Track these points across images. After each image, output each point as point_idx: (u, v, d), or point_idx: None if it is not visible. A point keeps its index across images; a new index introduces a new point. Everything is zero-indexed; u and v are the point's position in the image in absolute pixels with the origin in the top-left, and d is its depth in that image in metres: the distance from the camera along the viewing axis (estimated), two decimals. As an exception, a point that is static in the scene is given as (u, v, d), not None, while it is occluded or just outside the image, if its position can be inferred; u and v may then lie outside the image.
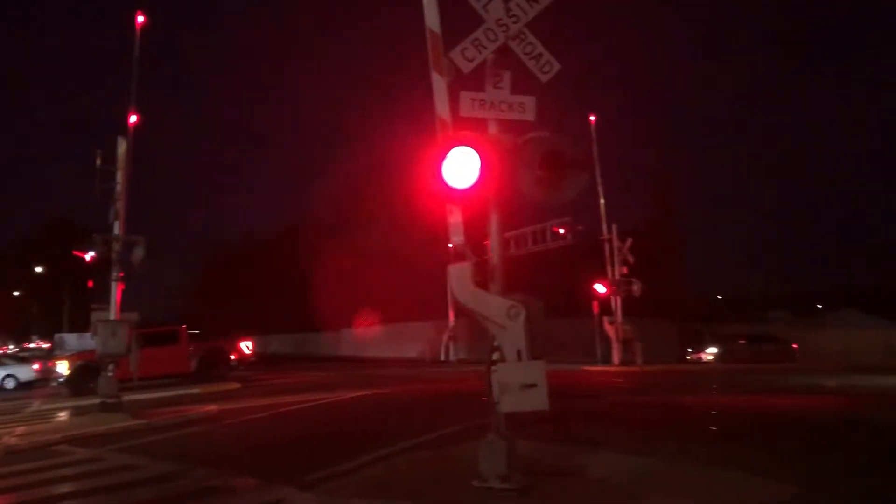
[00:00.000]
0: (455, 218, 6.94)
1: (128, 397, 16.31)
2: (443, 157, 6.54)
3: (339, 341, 59.24)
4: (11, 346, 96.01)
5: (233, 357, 26.52)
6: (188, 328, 26.36)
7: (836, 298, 61.74)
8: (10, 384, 29.06)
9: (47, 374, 30.57)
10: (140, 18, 16.31)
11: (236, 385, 22.98)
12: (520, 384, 6.42)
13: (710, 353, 34.59)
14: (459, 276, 6.74)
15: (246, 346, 28.84)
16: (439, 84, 6.96)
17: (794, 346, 34.36)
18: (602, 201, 31.32)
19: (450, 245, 7.03)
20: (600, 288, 30.37)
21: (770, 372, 24.52)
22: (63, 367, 23.35)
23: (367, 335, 54.13)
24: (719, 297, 65.24)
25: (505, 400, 6.48)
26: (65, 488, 8.38)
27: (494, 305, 6.66)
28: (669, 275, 45.12)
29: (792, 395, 16.97)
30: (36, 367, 30.46)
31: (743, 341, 34.35)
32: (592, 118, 31.25)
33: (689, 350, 35.96)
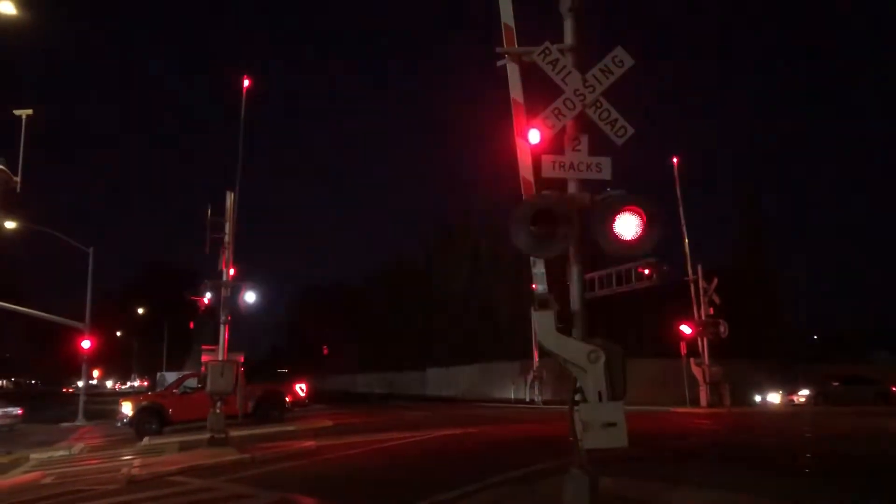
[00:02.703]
0: (538, 268, 7.58)
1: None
2: (525, 215, 7.19)
3: (426, 381, 60.08)
4: (109, 384, 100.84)
5: (288, 399, 27.33)
6: (281, 367, 27.36)
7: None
8: None
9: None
10: (246, 83, 17.71)
11: (329, 423, 23.96)
12: (601, 423, 6.94)
13: (802, 395, 33.74)
14: (543, 323, 7.31)
15: (300, 389, 29.80)
16: (523, 148, 7.66)
17: (894, 388, 33.15)
18: (686, 241, 31.33)
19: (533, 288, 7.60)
20: (686, 329, 30.19)
21: (864, 415, 23.90)
22: (127, 409, 23.27)
23: (454, 376, 54.85)
24: (815, 336, 62.99)
25: (587, 437, 7.00)
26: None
27: (576, 350, 7.19)
28: (761, 314, 44.28)
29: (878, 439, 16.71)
30: None
31: (837, 383, 33.35)
32: (675, 159, 31.47)
33: (781, 392, 35.13)
